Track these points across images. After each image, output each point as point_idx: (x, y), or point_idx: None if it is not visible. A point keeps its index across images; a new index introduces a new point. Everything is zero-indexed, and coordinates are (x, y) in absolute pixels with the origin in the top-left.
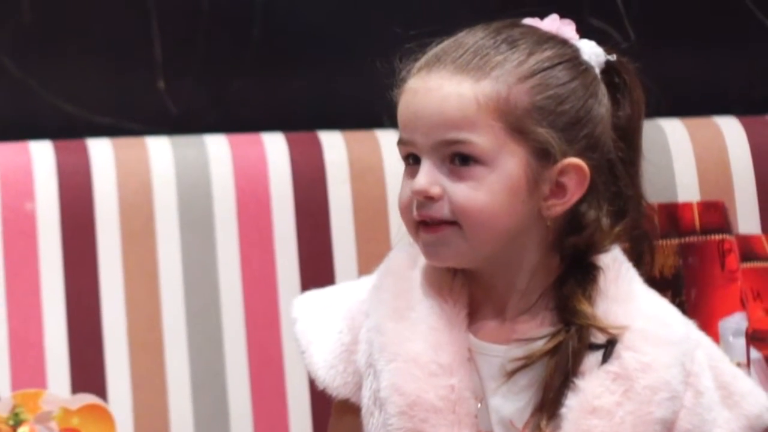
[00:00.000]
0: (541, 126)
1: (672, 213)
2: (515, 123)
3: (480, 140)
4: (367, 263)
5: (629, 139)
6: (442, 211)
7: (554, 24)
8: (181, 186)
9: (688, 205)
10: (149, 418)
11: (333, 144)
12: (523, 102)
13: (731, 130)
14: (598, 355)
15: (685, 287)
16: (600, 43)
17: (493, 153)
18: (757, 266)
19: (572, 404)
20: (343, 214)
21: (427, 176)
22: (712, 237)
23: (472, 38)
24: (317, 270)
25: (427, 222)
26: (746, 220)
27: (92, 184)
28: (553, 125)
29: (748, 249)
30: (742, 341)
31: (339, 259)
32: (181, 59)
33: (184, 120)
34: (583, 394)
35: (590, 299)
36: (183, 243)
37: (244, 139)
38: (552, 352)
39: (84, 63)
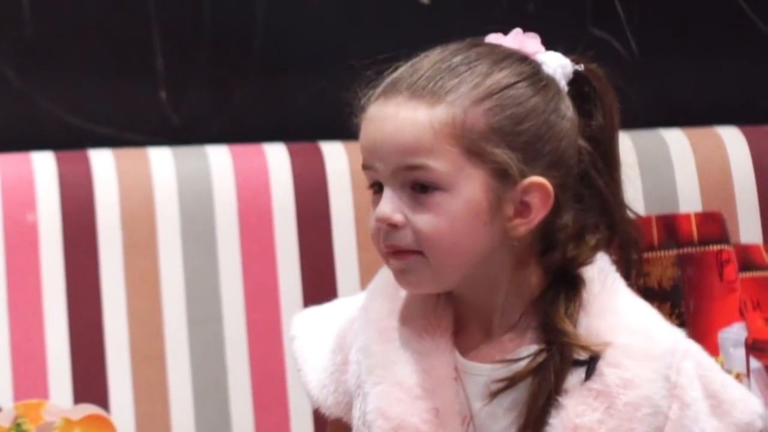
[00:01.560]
0: (498, 147)
1: (670, 224)
2: (472, 146)
3: (437, 165)
4: (368, 273)
5: (603, 149)
6: (406, 240)
7: (517, 38)
8: (182, 196)
9: (685, 216)
10: (151, 428)
11: (334, 154)
12: (479, 125)
13: (733, 140)
14: (581, 372)
15: (684, 298)
16: (602, 53)
17: (452, 178)
18: (756, 276)
19: (555, 422)
20: (345, 224)
21: (389, 204)
22: (711, 248)
23: (427, 62)
24: (319, 280)
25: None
26: (748, 230)
27: (94, 195)
28: (511, 146)
29: (746, 259)
30: (741, 351)
31: (341, 269)
32: (183, 70)
33: (185, 130)
34: (565, 412)
35: (571, 317)
36: (185, 253)
37: (245, 149)
38: (535, 371)
39: (86, 74)
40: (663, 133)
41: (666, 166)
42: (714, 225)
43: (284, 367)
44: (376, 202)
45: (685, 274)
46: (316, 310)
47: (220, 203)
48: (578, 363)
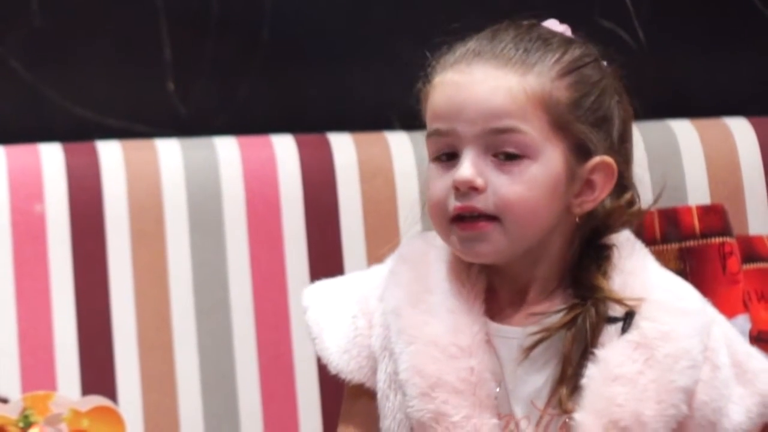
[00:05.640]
0: (580, 122)
1: (672, 217)
2: (558, 118)
3: (528, 129)
4: (376, 264)
5: (624, 139)
6: (485, 203)
7: (557, 28)
8: (190, 188)
9: (687, 209)
10: (159, 418)
11: (343, 146)
12: (563, 98)
13: (741, 130)
14: (617, 326)
15: None
16: (610, 44)
17: (539, 146)
18: (760, 267)
19: (593, 374)
20: (353, 215)
21: (472, 166)
22: (713, 240)
23: (506, 35)
24: (327, 271)
25: (464, 217)
26: (756, 221)
27: (102, 186)
28: (589, 121)
29: (750, 250)
30: None
31: (348, 261)
32: (191, 61)
33: (193, 122)
34: (604, 363)
35: (605, 275)
36: (192, 245)
37: (253, 141)
38: (569, 324)
39: (93, 65)
40: (671, 124)
41: (674, 157)
42: (716, 217)
43: (292, 356)
44: (444, 170)
45: (688, 267)
46: (326, 282)
47: (228, 194)
48: (613, 319)
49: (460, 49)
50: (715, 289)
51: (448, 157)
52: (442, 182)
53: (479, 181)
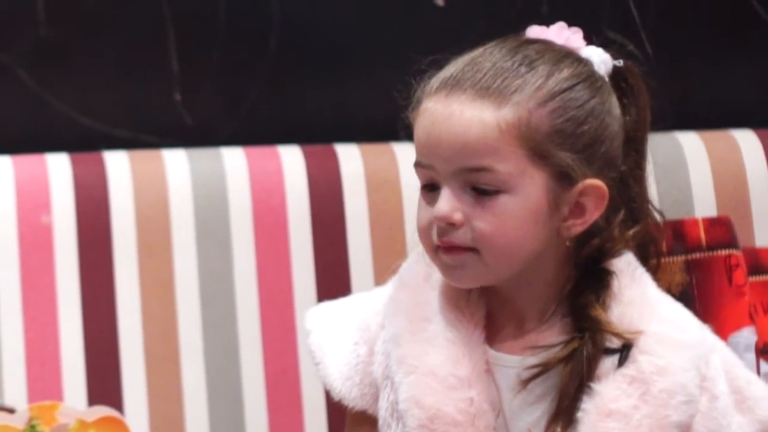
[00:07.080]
0: (561, 150)
1: (678, 229)
2: (537, 148)
3: (502, 167)
4: (383, 275)
5: (636, 144)
6: (464, 237)
7: (562, 33)
8: (197, 198)
9: (693, 222)
10: (165, 429)
11: (349, 157)
12: (543, 126)
13: (748, 143)
14: (614, 359)
15: (693, 304)
16: (617, 56)
17: (515, 179)
18: (766, 279)
19: (588, 408)
20: (360, 226)
21: (449, 203)
22: (719, 252)
23: (489, 60)
24: (333, 282)
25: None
26: (762, 233)
27: (109, 197)
28: (572, 148)
29: (757, 262)
30: (752, 356)
31: (355, 271)
32: (198, 72)
33: (200, 132)
34: (599, 397)
35: (604, 305)
36: (199, 255)
37: (260, 151)
38: (567, 359)
39: (100, 76)
40: (678, 136)
41: (681, 169)
42: (722, 229)
43: (298, 368)
44: (426, 198)
45: (694, 279)
46: (329, 304)
47: (235, 205)
48: (610, 351)
49: (444, 75)
50: (721, 302)
51: (432, 187)
52: (426, 213)
53: (456, 217)
